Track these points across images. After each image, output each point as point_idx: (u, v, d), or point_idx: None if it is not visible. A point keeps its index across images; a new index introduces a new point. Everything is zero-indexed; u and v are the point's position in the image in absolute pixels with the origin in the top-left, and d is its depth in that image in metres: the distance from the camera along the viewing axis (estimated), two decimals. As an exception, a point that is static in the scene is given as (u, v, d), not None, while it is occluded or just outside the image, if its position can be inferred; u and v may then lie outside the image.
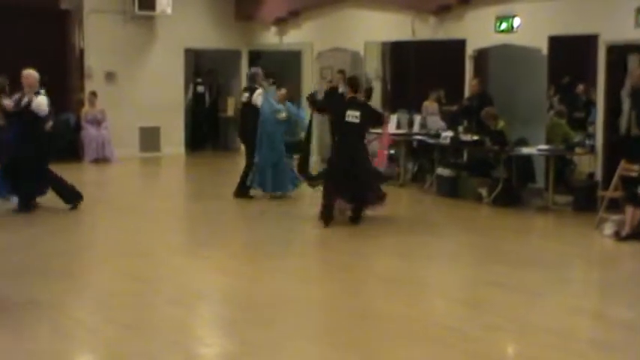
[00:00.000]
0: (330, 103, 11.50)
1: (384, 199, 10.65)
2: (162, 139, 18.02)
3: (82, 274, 8.16)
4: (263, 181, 12.10)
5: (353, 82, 10.70)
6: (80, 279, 7.94)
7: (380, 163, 11.16)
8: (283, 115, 12.09)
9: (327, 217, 10.15)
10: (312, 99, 11.58)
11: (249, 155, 12.26)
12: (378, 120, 10.91)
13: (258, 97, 12.23)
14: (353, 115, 10.24)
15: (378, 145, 11.22)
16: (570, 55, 13.02)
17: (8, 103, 10.99)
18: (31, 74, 11.02)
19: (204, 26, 18.26)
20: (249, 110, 12.34)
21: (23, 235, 9.52)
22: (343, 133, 10.46)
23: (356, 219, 10.37)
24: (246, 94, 12.48)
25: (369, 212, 10.60)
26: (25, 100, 10.88)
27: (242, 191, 12.21)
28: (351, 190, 10.30)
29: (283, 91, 12.46)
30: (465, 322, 6.45)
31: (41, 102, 10.88)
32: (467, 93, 13.68)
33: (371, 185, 10.47)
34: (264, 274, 8.12)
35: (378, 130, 11.51)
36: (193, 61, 19.64)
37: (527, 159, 12.32)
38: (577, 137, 12.27)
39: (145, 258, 8.66)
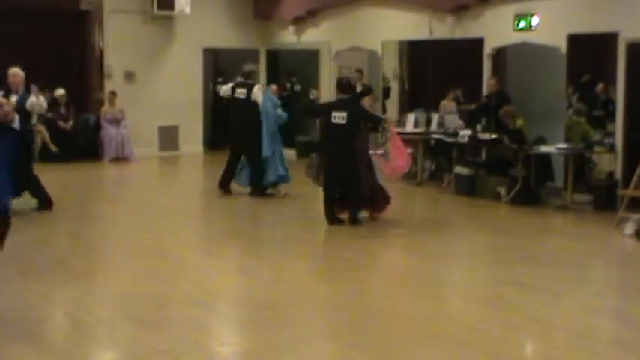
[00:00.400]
0: (319, 107, 11.25)
1: (383, 205, 10.45)
2: (180, 138, 18.09)
3: (102, 272, 8.22)
4: (283, 173, 12.23)
5: (339, 84, 10.56)
6: (100, 277, 7.99)
7: (403, 166, 10.78)
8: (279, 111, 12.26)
9: (330, 219, 10.10)
10: (305, 107, 11.34)
11: (253, 153, 12.15)
12: (376, 125, 10.55)
13: (258, 94, 12.22)
14: (339, 117, 10.06)
15: (393, 151, 10.76)
16: (589, 53, 12.97)
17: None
18: (18, 73, 10.99)
19: (223, 26, 18.31)
20: (245, 107, 12.27)
21: (43, 234, 9.60)
22: (330, 134, 10.34)
23: (352, 221, 10.13)
24: (243, 90, 12.33)
25: (367, 215, 10.41)
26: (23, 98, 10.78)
27: (259, 191, 12.21)
28: (341, 193, 10.16)
29: (274, 86, 12.69)
30: (486, 322, 6.45)
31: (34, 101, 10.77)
32: (485, 92, 13.66)
33: (362, 189, 10.14)
34: (283, 273, 8.15)
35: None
36: (212, 60, 19.70)
37: (546, 158, 12.28)
38: (596, 136, 12.22)
39: (164, 257, 8.71)
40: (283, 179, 12.26)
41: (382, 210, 10.50)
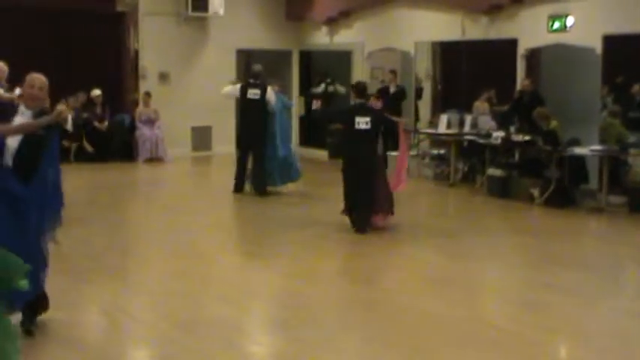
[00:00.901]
0: (337, 113, 10.96)
1: (388, 214, 10.18)
2: (213, 139, 18.21)
3: (137, 272, 8.30)
4: (295, 172, 12.65)
5: (357, 87, 10.30)
6: (135, 277, 8.08)
7: (397, 187, 10.49)
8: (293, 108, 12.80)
9: (358, 228, 9.96)
10: (322, 116, 11.16)
11: (261, 152, 12.39)
12: (394, 129, 10.48)
13: (271, 95, 12.41)
14: (363, 122, 9.88)
15: (396, 165, 10.66)
16: (625, 54, 12.86)
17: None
18: (2, 68, 10.87)
19: (256, 27, 18.39)
20: (256, 107, 12.42)
21: (80, 233, 9.71)
22: (353, 140, 10.01)
23: (362, 228, 9.90)
24: (257, 91, 12.44)
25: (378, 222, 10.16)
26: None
27: (263, 189, 12.46)
28: (358, 200, 9.97)
29: (276, 87, 12.87)
30: (519, 324, 6.43)
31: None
32: (518, 88, 13.60)
33: (379, 196, 9.99)
34: (316, 273, 8.18)
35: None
36: (245, 61, 19.78)
37: (580, 159, 12.20)
38: (632, 137, 12.11)
39: (198, 257, 8.78)
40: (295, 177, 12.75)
41: (384, 219, 10.20)
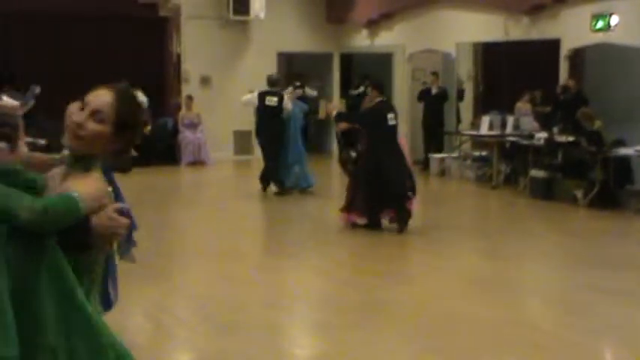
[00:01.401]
0: (367, 113, 10.40)
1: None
2: (255, 143, 18.28)
3: (180, 274, 8.38)
4: (307, 176, 13.10)
5: (380, 85, 10.29)
6: (178, 279, 8.15)
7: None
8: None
9: (377, 222, 9.98)
10: (344, 119, 11.11)
11: (273, 154, 12.90)
12: None
13: (288, 103, 12.88)
14: (392, 118, 9.97)
15: None
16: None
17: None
18: None
19: (297, 30, 18.46)
20: (273, 113, 12.81)
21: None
22: (386, 138, 9.96)
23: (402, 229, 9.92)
24: (274, 99, 12.85)
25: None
26: None
27: (283, 191, 12.92)
28: (391, 199, 9.90)
29: (294, 92, 13.52)
30: (563, 327, 6.38)
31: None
32: (560, 83, 13.50)
33: (403, 190, 9.94)
34: (358, 275, 8.19)
35: None
36: (286, 64, 19.87)
37: (625, 160, 12.05)
38: (678, 138, 11.94)
39: (240, 259, 8.84)
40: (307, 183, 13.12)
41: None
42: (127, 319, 6.72)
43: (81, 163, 2.74)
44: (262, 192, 13.08)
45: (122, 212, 2.69)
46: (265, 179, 13.15)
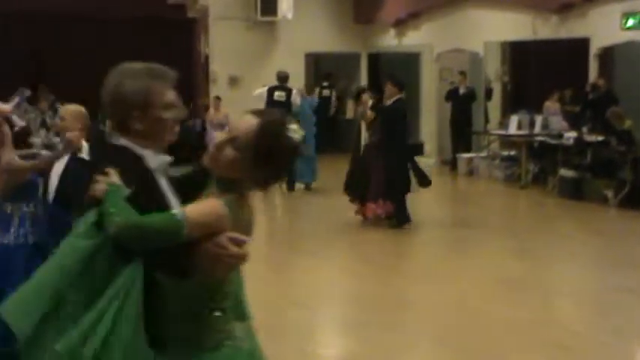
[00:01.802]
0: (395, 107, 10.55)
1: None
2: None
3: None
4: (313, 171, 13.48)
5: (400, 83, 10.49)
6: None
7: None
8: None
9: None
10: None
11: None
12: None
13: (297, 97, 13.28)
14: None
15: None
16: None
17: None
18: None
19: (324, 30, 18.48)
20: (285, 109, 12.83)
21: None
22: (405, 135, 10.46)
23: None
24: (282, 94, 13.25)
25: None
26: None
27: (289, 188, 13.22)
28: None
29: (302, 89, 14.04)
30: (593, 328, 6.36)
31: None
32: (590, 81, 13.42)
33: None
34: (388, 275, 8.20)
35: None
36: (313, 64, 19.91)
37: (656, 159, 11.95)
38: None
39: (269, 260, 8.88)
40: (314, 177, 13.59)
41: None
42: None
43: (219, 185, 2.67)
44: (287, 191, 13.25)
45: (237, 242, 2.58)
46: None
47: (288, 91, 13.24)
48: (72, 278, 2.49)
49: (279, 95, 13.24)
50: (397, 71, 18.47)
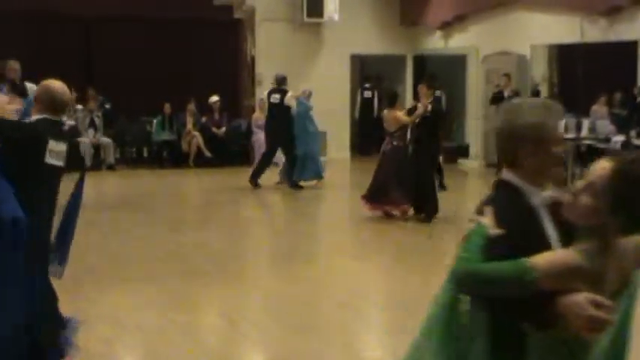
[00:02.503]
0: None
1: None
2: (328, 144, 18.40)
3: (253, 275, 8.51)
4: (317, 169, 13.82)
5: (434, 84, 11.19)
6: (251, 280, 8.28)
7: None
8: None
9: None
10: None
11: (287, 150, 13.62)
12: None
13: (291, 99, 13.60)
14: None
15: None
16: None
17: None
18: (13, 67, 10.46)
19: (370, 32, 18.49)
20: (279, 111, 13.56)
21: (200, 237, 10.03)
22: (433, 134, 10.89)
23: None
24: (277, 96, 13.65)
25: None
26: None
27: (294, 184, 13.58)
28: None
29: (300, 92, 14.21)
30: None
31: None
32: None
33: None
34: (432, 279, 8.16)
35: None
36: (359, 66, 19.94)
37: None
38: None
39: (312, 261, 8.94)
40: (318, 175, 13.86)
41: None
42: (202, 319, 6.89)
43: (582, 234, 2.56)
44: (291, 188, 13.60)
45: (598, 304, 2.40)
46: (258, 175, 13.79)
47: (283, 94, 13.62)
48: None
49: (274, 97, 13.70)
50: (443, 73, 18.56)
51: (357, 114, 19.41)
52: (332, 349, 5.97)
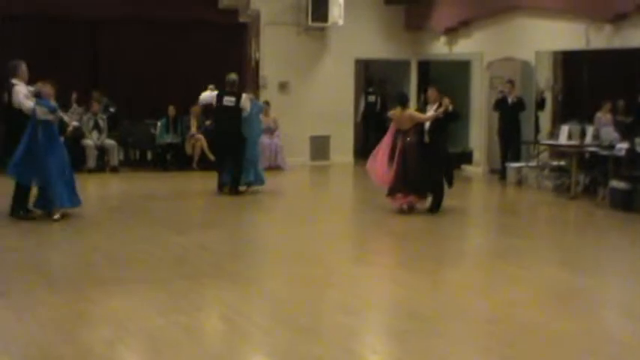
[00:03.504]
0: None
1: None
2: (331, 148, 18.42)
3: (257, 278, 8.48)
4: (260, 175, 13.72)
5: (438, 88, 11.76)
6: (255, 283, 8.25)
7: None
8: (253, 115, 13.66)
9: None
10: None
11: (238, 155, 13.29)
12: None
13: (246, 102, 13.37)
14: None
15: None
16: None
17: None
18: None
19: (374, 37, 18.52)
20: (233, 114, 13.29)
21: (204, 239, 10.02)
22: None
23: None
24: (232, 99, 13.36)
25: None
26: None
27: (236, 190, 13.39)
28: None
29: (251, 95, 14.28)
30: (640, 341, 6.29)
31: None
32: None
33: None
34: (436, 284, 8.18)
35: None
36: (363, 71, 19.94)
37: None
38: None
39: (316, 264, 8.91)
40: (259, 181, 13.76)
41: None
42: (204, 321, 6.88)
43: None
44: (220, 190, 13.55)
45: None
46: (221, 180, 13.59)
47: (238, 97, 13.39)
48: None
49: (228, 100, 13.40)
50: (447, 79, 18.56)
51: (359, 118, 19.40)
52: (335, 352, 5.95)
